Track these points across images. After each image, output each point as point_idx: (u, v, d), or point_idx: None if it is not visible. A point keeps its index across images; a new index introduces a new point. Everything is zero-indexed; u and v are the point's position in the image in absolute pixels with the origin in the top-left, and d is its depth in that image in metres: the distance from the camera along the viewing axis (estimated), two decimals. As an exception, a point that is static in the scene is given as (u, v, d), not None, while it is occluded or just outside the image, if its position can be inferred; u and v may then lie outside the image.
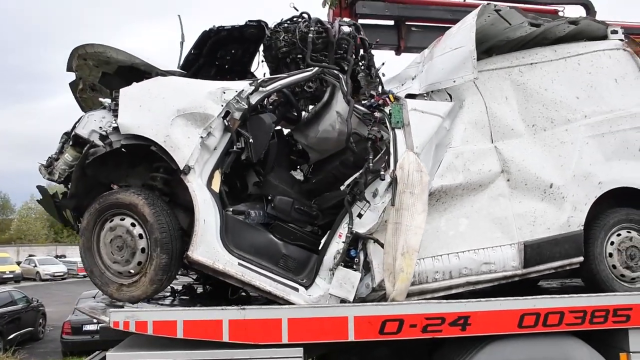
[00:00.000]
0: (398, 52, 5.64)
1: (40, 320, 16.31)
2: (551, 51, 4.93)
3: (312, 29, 4.57)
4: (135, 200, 3.88)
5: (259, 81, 4.23)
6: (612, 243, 4.55)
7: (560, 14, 5.94)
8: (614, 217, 4.58)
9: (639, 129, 4.74)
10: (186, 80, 4.23)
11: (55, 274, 32.10)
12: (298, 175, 5.22)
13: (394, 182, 4.00)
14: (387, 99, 4.40)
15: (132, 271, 3.94)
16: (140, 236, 3.91)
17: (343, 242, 4.04)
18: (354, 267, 4.07)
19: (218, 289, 5.39)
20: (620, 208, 4.62)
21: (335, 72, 4.49)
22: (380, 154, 4.16)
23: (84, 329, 13.08)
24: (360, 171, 4.12)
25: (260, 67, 5.10)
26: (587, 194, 4.52)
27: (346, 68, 4.56)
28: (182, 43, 4.77)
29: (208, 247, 3.89)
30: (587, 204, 4.50)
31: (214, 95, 4.06)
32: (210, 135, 4.02)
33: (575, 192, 4.50)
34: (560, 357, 4.01)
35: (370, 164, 4.07)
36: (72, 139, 4.10)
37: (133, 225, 3.93)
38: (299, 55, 4.69)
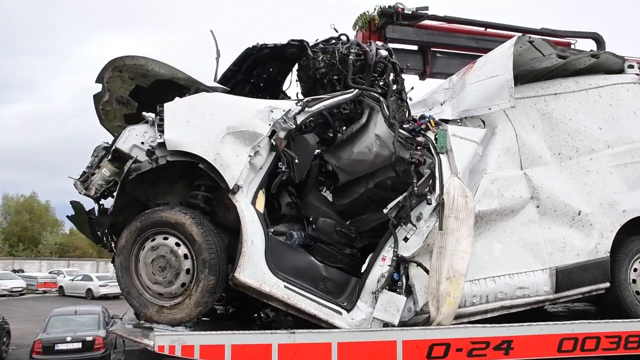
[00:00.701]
0: (423, 77, 5.74)
1: (5, 339, 15.45)
2: (573, 82, 5.12)
3: (352, 50, 4.59)
4: (182, 219, 3.77)
5: (305, 101, 4.21)
6: (635, 270, 4.71)
7: (572, 46, 6.20)
8: (637, 245, 4.75)
9: (641, 162, 4.96)
10: (232, 98, 4.17)
11: (13, 290, 30.53)
12: (327, 196, 5.19)
13: (440, 207, 4.04)
14: (428, 123, 4.46)
15: (174, 292, 3.80)
16: (186, 256, 3.78)
17: (389, 265, 4.03)
18: (398, 290, 4.06)
19: (240, 310, 5.28)
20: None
21: (376, 95, 4.53)
22: (424, 178, 4.18)
23: (56, 348, 12.52)
24: (404, 195, 4.13)
25: (291, 86, 5.09)
26: (613, 222, 4.68)
27: (386, 91, 4.59)
28: (217, 58, 4.72)
29: (255, 269, 3.81)
30: (612, 232, 4.66)
31: (263, 113, 4.02)
32: (257, 154, 3.97)
33: (602, 220, 4.65)
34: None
35: (415, 188, 4.09)
36: (112, 154, 3.96)
37: (177, 245, 3.80)
38: (336, 77, 4.71)
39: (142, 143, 3.96)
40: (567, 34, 6.12)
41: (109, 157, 3.97)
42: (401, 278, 4.10)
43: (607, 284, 4.56)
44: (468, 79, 4.89)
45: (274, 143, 3.99)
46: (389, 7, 5.38)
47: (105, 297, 27.54)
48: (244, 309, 5.26)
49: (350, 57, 4.58)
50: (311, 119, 4.67)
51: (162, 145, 3.85)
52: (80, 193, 3.97)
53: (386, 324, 4.01)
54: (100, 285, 28.60)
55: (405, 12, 5.42)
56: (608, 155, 4.87)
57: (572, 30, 6.10)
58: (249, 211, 3.87)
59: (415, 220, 4.12)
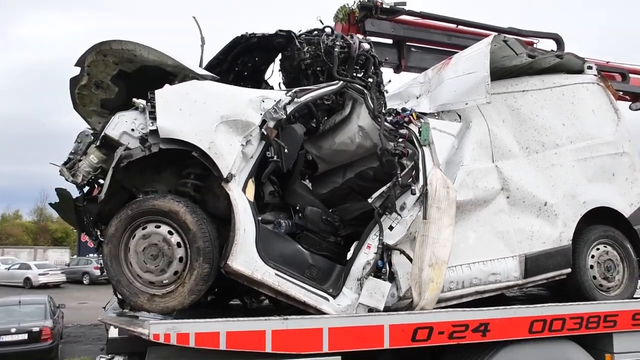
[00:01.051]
0: (398, 71, 5.91)
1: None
2: (539, 80, 5.43)
3: (337, 43, 4.67)
4: (175, 208, 3.75)
5: (294, 91, 4.26)
6: (592, 256, 5.10)
7: (535, 45, 6.55)
8: (595, 233, 5.14)
9: (612, 155, 5.37)
10: (224, 86, 4.16)
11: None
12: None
13: (424, 197, 4.22)
14: (410, 116, 4.62)
15: (166, 281, 3.78)
16: (179, 245, 3.77)
17: (375, 253, 4.18)
18: (382, 277, 4.22)
19: (218, 298, 5.31)
20: (598, 225, 5.19)
21: (359, 87, 4.63)
22: (407, 169, 4.34)
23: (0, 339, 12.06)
24: (388, 185, 4.28)
25: (272, 76, 5.11)
26: (574, 212, 5.04)
27: (369, 84, 4.70)
28: (202, 45, 4.67)
29: (247, 257, 3.86)
30: (574, 221, 5.02)
31: (254, 103, 4.04)
32: (249, 144, 4.00)
33: (565, 210, 5.00)
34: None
35: (399, 179, 4.25)
36: (100, 140, 3.87)
37: (170, 233, 3.78)
38: (319, 68, 4.78)
39: (133, 130, 3.89)
40: (531, 34, 6.45)
41: (97, 143, 3.88)
42: (385, 265, 4.26)
43: (569, 270, 4.91)
44: (445, 75, 5.09)
45: (265, 133, 4.03)
46: (368, 0, 5.49)
47: (45, 286, 26.53)
48: (221, 296, 5.29)
49: (336, 49, 4.66)
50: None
51: (154, 132, 3.80)
52: (67, 180, 3.85)
53: (371, 309, 4.17)
54: (39, 274, 27.45)
55: (384, 6, 5.55)
56: (570, 150, 5.21)
57: (535, 30, 6.44)
58: (241, 200, 3.90)
59: (399, 209, 4.29)
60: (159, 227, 3.79)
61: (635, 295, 5.22)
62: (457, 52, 5.79)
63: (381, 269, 4.24)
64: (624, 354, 4.62)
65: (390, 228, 4.24)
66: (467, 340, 4.18)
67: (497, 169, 4.90)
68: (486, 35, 6.24)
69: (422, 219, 4.23)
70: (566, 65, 5.65)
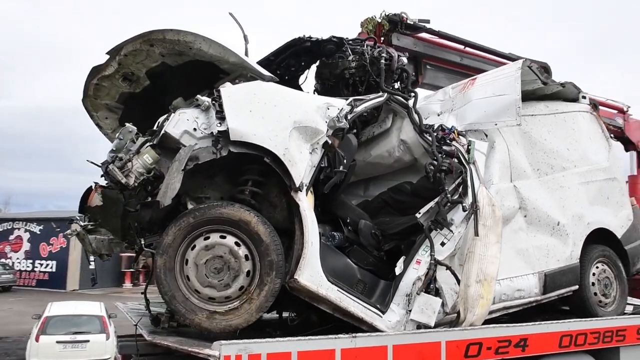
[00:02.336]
0: (414, 87, 5.94)
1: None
2: (544, 106, 5.74)
3: (382, 54, 4.63)
4: (247, 217, 3.47)
5: (352, 100, 4.15)
6: (593, 274, 5.45)
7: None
8: (595, 253, 5.51)
9: (607, 180, 5.80)
10: (289, 89, 3.96)
11: None
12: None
13: (474, 214, 4.27)
14: (452, 134, 4.67)
15: (230, 296, 3.48)
16: (246, 257, 3.50)
17: (428, 268, 4.14)
18: (430, 293, 4.20)
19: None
20: (597, 245, 5.57)
21: (404, 101, 4.62)
22: (453, 185, 4.38)
23: None
24: (436, 200, 4.28)
25: (305, 82, 4.96)
26: (581, 232, 5.36)
27: (410, 98, 4.70)
28: (246, 44, 4.40)
29: (313, 272, 3.67)
30: (581, 240, 5.34)
31: (321, 110, 3.89)
32: (314, 152, 3.82)
33: (574, 230, 5.31)
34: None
35: (449, 195, 4.27)
36: (160, 139, 3.49)
37: (237, 244, 3.49)
38: (358, 78, 4.71)
39: (195, 130, 3.56)
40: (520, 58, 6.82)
41: (154, 141, 3.49)
42: (432, 281, 4.25)
43: (577, 287, 5.22)
44: (472, 94, 5.20)
45: (330, 142, 3.88)
46: (395, 14, 5.50)
47: None
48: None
49: (382, 60, 4.61)
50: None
51: (222, 134, 3.50)
52: (119, 181, 3.41)
53: (420, 326, 4.13)
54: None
55: (408, 22, 5.59)
56: (575, 174, 5.55)
57: (529, 58, 6.82)
58: (310, 211, 3.72)
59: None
60: (224, 237, 3.49)
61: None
62: (467, 73, 5.98)
63: (429, 284, 4.22)
64: (628, 366, 4.98)
65: (442, 244, 4.24)
66: (510, 356, 4.27)
67: (515, 188, 5.09)
68: (492, 59, 6.53)
69: (470, 236, 4.28)
70: (565, 93, 6.02)
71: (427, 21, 5.66)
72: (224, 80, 4.01)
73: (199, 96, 3.62)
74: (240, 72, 3.93)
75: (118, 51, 3.95)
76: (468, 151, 4.53)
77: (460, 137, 4.72)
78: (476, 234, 4.24)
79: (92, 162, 3.83)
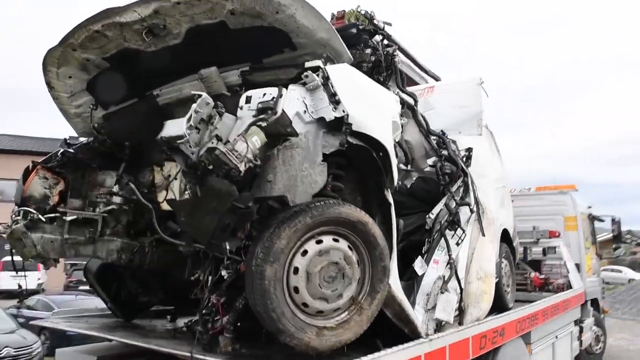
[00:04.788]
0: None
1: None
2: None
3: (396, 52, 4.59)
4: (365, 218, 3.06)
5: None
6: (502, 268, 6.36)
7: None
8: (502, 249, 6.43)
9: (502, 187, 6.83)
10: (369, 79, 3.61)
11: None
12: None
13: (478, 215, 4.59)
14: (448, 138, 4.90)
15: (339, 308, 3.02)
16: (357, 263, 3.08)
17: (448, 268, 4.28)
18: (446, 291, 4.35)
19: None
20: (501, 243, 6.52)
21: (410, 101, 4.67)
22: (456, 188, 4.62)
23: None
24: (444, 202, 4.47)
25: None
26: (498, 232, 6.21)
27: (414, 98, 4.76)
28: None
29: (394, 275, 3.46)
30: (498, 240, 6.19)
31: (398, 103, 3.68)
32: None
33: (496, 231, 6.12)
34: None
35: (456, 197, 4.51)
36: (278, 119, 2.82)
37: (350, 248, 3.05)
38: (372, 73, 4.60)
39: (305, 112, 2.98)
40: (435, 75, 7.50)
41: (270, 120, 2.79)
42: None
43: (498, 279, 6.02)
44: (434, 102, 5.56)
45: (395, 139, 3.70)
46: (365, 12, 5.41)
47: None
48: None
49: (396, 58, 4.56)
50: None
51: (337, 121, 3.02)
52: (233, 168, 2.61)
53: (438, 324, 4.25)
54: None
55: (375, 21, 5.57)
56: (491, 181, 6.40)
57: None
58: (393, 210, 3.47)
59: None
60: (337, 240, 3.01)
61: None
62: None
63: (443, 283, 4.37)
64: (536, 342, 5.98)
65: (457, 244, 4.42)
66: (497, 344, 4.71)
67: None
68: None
69: (469, 236, 4.58)
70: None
71: (389, 23, 5.75)
72: (278, 57, 3.45)
73: (307, 73, 3.05)
74: (312, 51, 3.41)
75: None
76: (469, 156, 4.82)
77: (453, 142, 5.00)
78: (483, 234, 4.57)
79: (163, 138, 2.86)
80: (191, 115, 2.82)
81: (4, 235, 3.54)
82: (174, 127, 2.94)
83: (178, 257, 4.27)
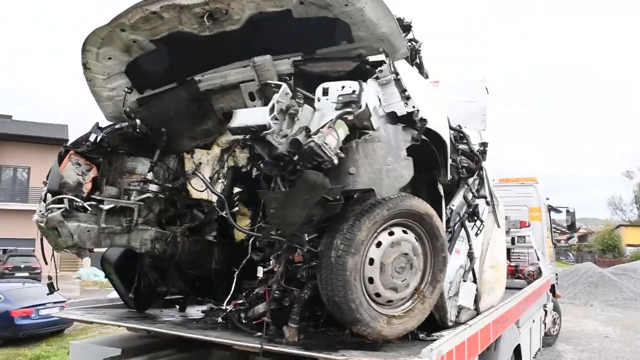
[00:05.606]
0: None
1: None
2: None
3: (420, 48, 4.69)
4: (430, 211, 3.15)
5: None
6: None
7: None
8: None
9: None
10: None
11: None
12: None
13: (493, 207, 4.81)
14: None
15: (405, 297, 3.11)
16: (422, 254, 3.18)
17: (468, 258, 4.46)
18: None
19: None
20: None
21: None
22: (472, 181, 4.80)
23: None
24: (462, 194, 4.65)
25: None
26: None
27: None
28: None
29: None
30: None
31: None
32: None
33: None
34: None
35: (473, 189, 4.70)
36: (362, 113, 2.84)
37: (416, 240, 3.14)
38: None
39: (379, 106, 3.02)
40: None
41: (356, 112, 2.80)
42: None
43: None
44: (440, 97, 5.72)
45: None
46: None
47: None
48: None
49: (420, 54, 4.66)
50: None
51: (408, 116, 3.08)
52: (327, 161, 2.61)
53: (459, 310, 4.44)
54: None
55: (399, 17, 5.63)
56: None
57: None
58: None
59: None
60: (405, 232, 3.09)
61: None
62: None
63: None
64: (522, 326, 6.34)
65: (476, 234, 4.61)
66: (505, 328, 4.98)
67: None
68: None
69: (486, 227, 4.79)
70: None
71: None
72: (333, 48, 3.45)
73: (384, 66, 3.08)
74: (369, 45, 3.42)
75: None
76: (484, 151, 5.01)
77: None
78: (498, 225, 4.78)
79: (236, 128, 2.79)
80: (273, 105, 2.78)
81: (42, 224, 3.34)
82: (249, 117, 2.88)
83: (205, 247, 4.23)
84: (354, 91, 2.92)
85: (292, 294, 3.30)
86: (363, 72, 3.33)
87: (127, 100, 3.82)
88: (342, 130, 2.80)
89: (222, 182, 4.07)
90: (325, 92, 3.00)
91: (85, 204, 3.47)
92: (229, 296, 3.97)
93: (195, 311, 4.90)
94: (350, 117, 2.80)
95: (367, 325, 2.92)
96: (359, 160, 2.90)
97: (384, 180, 2.90)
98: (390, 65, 3.15)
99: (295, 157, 2.70)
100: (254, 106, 3.74)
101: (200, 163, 4.11)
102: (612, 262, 35.24)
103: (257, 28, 3.30)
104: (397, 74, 3.14)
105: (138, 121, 3.80)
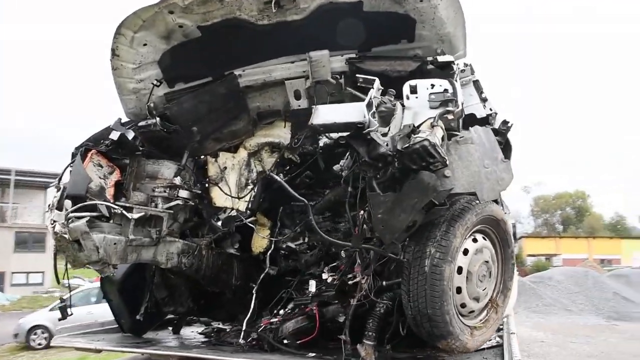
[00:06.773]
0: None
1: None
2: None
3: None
4: (505, 217, 3.03)
5: None
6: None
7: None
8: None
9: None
10: None
11: None
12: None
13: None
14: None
15: (482, 307, 2.96)
16: (497, 261, 3.05)
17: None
18: None
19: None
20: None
21: None
22: None
23: None
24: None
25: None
26: None
27: None
28: None
29: None
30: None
31: None
32: None
33: None
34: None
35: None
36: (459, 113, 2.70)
37: (492, 246, 3.01)
38: None
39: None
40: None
41: (454, 112, 2.64)
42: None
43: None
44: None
45: None
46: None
47: None
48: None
49: None
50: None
51: (486, 118, 2.97)
52: (438, 159, 2.42)
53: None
54: None
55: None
56: None
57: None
58: None
59: None
60: (485, 239, 2.95)
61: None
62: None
63: None
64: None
65: None
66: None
67: None
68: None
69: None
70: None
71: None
72: (390, 47, 3.31)
73: (465, 68, 2.95)
74: (428, 45, 3.29)
75: None
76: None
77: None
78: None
79: (318, 126, 2.50)
80: (371, 101, 2.55)
81: (65, 235, 2.81)
82: (339, 113, 2.61)
83: (226, 260, 3.86)
84: (445, 90, 2.76)
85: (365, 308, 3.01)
86: (425, 72, 3.20)
87: (153, 95, 3.38)
88: (441, 131, 2.63)
89: (251, 188, 3.73)
90: (414, 90, 2.82)
91: (118, 212, 2.98)
92: (249, 314, 3.62)
93: (190, 332, 4.45)
94: (450, 117, 2.64)
95: (456, 338, 2.72)
96: (453, 162, 2.74)
97: (484, 184, 2.76)
98: (469, 66, 3.05)
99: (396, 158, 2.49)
100: (299, 106, 3.48)
101: (226, 167, 3.74)
102: (524, 271, 37.53)
103: (320, 20, 3.06)
104: (472, 73, 3.04)
105: (159, 119, 3.37)
